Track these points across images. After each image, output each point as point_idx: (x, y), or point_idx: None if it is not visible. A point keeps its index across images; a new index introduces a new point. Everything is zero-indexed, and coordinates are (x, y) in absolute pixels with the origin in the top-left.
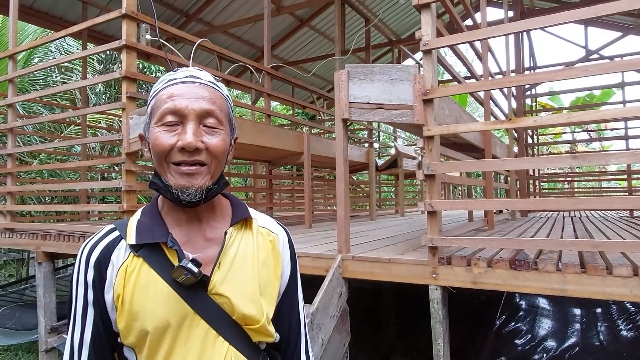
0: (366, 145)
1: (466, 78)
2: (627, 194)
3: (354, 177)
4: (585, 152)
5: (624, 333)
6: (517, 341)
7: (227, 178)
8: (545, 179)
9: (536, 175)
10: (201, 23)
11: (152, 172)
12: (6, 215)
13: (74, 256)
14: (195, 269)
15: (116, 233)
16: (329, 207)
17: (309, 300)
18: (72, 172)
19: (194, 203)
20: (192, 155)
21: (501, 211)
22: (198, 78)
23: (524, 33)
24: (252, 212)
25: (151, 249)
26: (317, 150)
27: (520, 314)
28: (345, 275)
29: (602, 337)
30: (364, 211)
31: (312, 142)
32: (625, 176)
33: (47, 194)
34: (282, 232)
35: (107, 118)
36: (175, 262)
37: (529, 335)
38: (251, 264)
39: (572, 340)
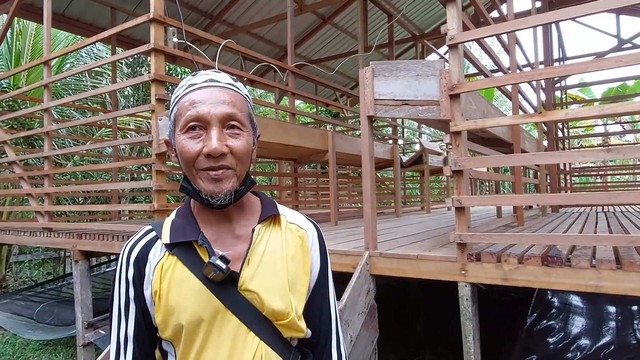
0: (390, 141)
1: (493, 71)
2: None
3: (379, 174)
4: (620, 145)
5: None
6: (550, 339)
7: (252, 177)
8: (577, 173)
9: (567, 169)
10: (225, 24)
11: (181, 172)
12: (44, 215)
13: (108, 254)
14: (223, 265)
15: (153, 233)
16: (353, 205)
17: (337, 296)
18: (104, 173)
19: (223, 205)
20: (218, 161)
21: (531, 207)
22: (217, 81)
23: (553, 23)
24: (282, 208)
25: (184, 248)
26: (341, 148)
27: (553, 311)
28: (373, 272)
29: (639, 336)
30: (389, 208)
31: (336, 140)
32: None
33: (81, 194)
34: (312, 227)
35: (135, 120)
36: (206, 259)
37: (562, 333)
38: (280, 259)
39: (607, 338)
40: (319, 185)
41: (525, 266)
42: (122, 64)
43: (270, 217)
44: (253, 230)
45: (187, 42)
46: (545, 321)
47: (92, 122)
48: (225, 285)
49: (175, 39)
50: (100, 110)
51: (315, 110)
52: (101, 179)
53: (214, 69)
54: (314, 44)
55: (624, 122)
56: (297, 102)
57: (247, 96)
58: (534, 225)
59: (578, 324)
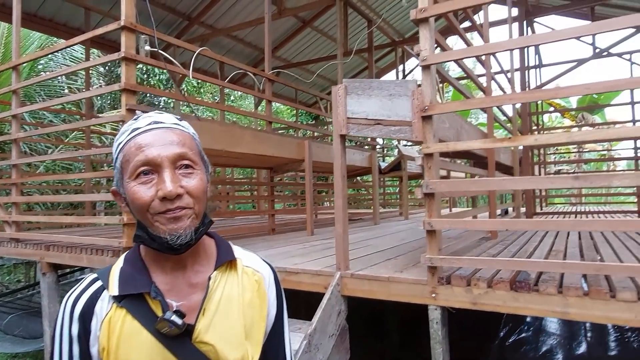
0: (368, 147)
1: (461, 78)
2: (636, 214)
3: (358, 178)
4: (588, 173)
5: (635, 345)
6: (523, 352)
7: (209, 217)
8: (553, 173)
9: (542, 176)
10: (204, 26)
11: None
12: (11, 225)
13: (77, 267)
14: (179, 321)
15: (99, 283)
16: (333, 211)
17: (308, 318)
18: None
19: (185, 246)
20: (174, 203)
21: (507, 212)
22: (161, 122)
23: (529, 29)
24: (237, 250)
25: (134, 299)
26: (319, 157)
27: (525, 324)
28: (344, 293)
29: (611, 348)
30: (367, 214)
31: (313, 149)
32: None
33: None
34: (268, 270)
35: (112, 124)
36: (159, 312)
37: (535, 345)
38: (237, 306)
39: (580, 351)
40: (298, 194)
41: (494, 290)
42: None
43: (226, 262)
44: (209, 278)
45: (160, 50)
46: (517, 334)
47: (63, 129)
48: (179, 338)
49: (147, 47)
50: (74, 113)
51: (295, 113)
52: (75, 184)
53: (157, 110)
54: (294, 47)
55: (599, 124)
56: (278, 103)
57: (194, 134)
58: (507, 237)
59: (551, 336)
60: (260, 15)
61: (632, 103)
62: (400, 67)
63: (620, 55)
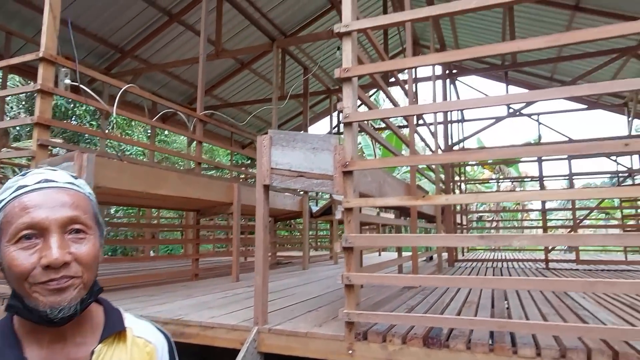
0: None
1: (379, 130)
2: (544, 262)
3: (292, 221)
4: (492, 234)
5: None
6: None
7: (99, 284)
8: (475, 220)
9: (464, 223)
10: (137, 60)
11: None
12: None
13: None
14: None
15: None
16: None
17: None
18: None
19: (67, 319)
20: (59, 272)
21: (431, 258)
22: (53, 181)
23: (452, 85)
24: (129, 319)
25: None
26: (249, 200)
27: None
28: (261, 350)
29: None
30: (298, 257)
31: (243, 192)
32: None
33: None
34: (162, 340)
35: (28, 159)
36: None
37: None
38: None
39: None
40: (229, 235)
41: (409, 347)
42: (18, 85)
43: (114, 333)
44: (92, 353)
45: (81, 85)
46: None
47: None
48: None
49: (67, 80)
50: None
51: (230, 152)
52: None
53: (49, 167)
54: (232, 87)
55: (514, 179)
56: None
57: (91, 194)
58: (428, 287)
59: None
60: (196, 54)
61: (540, 161)
62: (335, 114)
63: (529, 115)
